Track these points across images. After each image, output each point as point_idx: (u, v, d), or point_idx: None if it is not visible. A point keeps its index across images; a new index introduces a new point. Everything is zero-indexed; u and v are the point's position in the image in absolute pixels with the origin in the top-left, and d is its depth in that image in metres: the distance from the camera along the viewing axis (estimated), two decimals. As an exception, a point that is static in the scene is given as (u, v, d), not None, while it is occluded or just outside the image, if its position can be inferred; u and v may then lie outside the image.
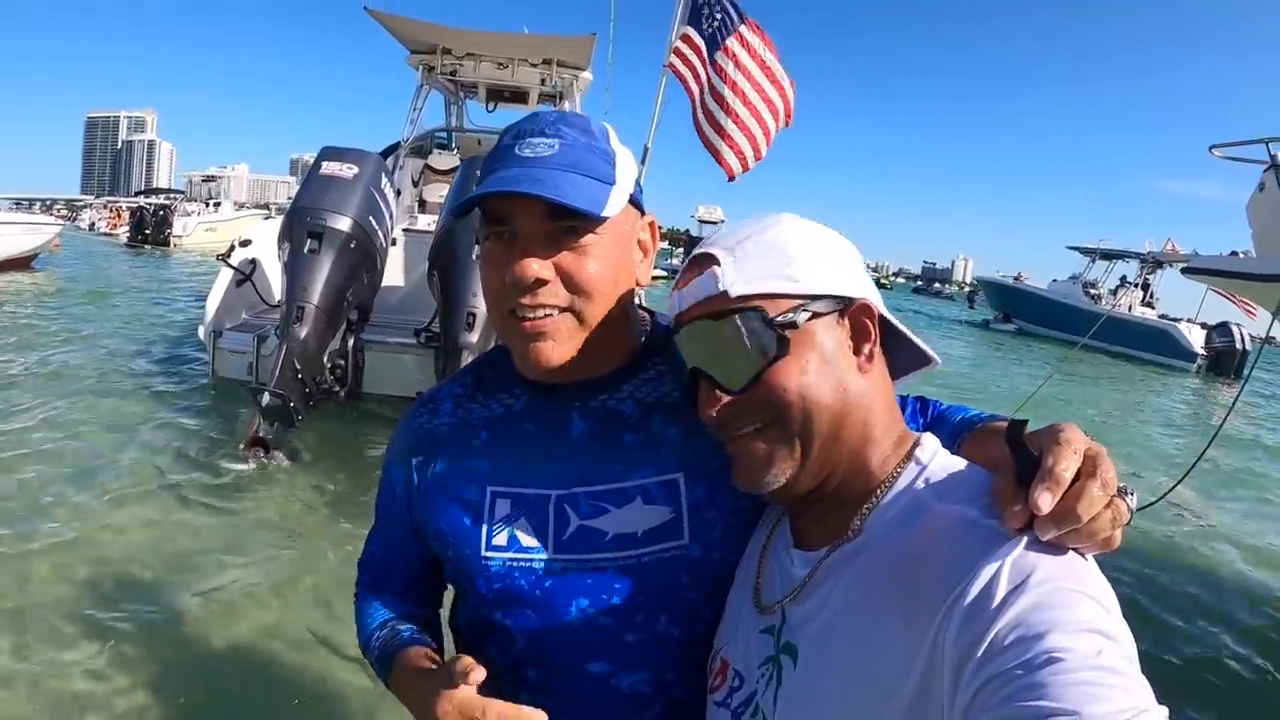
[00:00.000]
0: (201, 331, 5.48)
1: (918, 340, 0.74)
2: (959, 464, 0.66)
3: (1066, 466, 0.54)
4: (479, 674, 0.66)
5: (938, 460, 0.66)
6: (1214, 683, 3.25)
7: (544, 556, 0.79)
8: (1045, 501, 0.52)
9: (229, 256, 5.76)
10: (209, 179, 35.15)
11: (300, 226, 4.24)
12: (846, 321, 0.67)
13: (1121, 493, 0.54)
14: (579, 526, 0.79)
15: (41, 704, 2.30)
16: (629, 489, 0.79)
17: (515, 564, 0.79)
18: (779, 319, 0.64)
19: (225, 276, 5.69)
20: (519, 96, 8.06)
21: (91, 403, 5.40)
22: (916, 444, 0.67)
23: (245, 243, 6.05)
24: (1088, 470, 0.55)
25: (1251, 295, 5.12)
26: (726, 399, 0.66)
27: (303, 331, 4.13)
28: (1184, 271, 6.29)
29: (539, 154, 0.74)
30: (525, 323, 0.74)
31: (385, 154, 6.97)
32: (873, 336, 0.67)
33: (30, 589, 2.92)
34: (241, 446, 4.08)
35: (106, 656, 2.55)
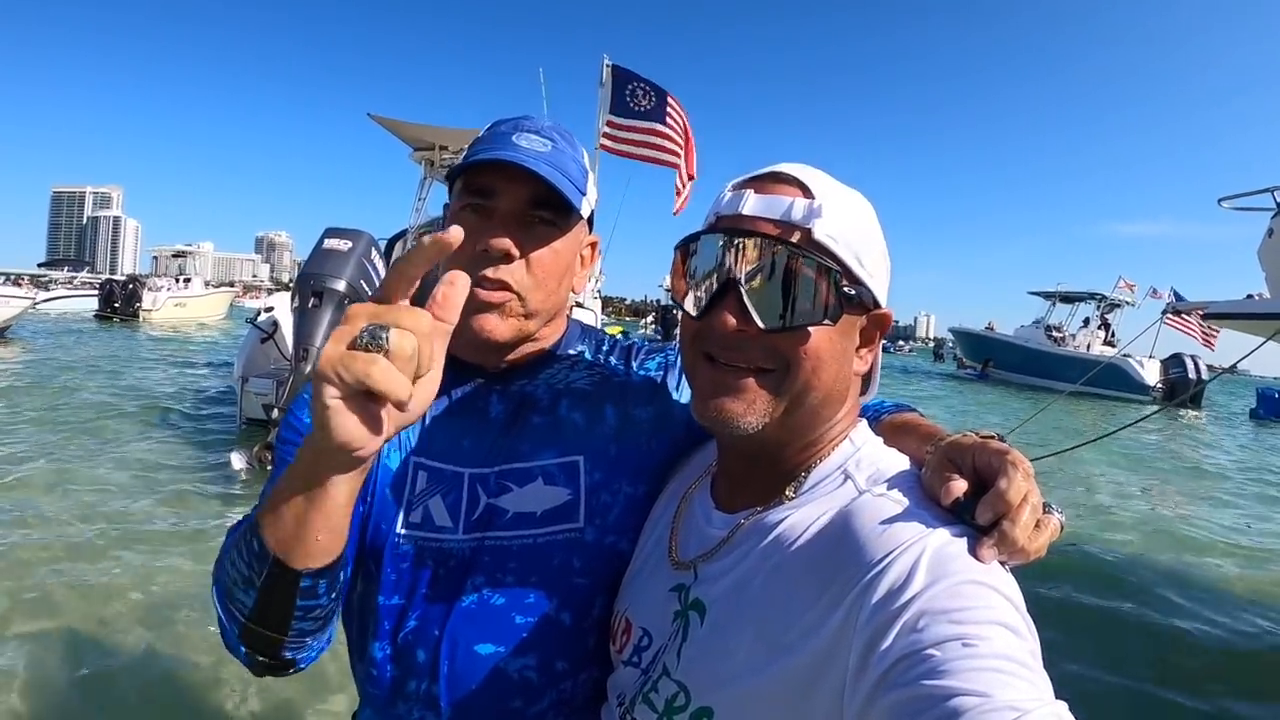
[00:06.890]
0: (233, 379, 6.87)
1: (876, 372, 0.75)
2: (889, 452, 0.68)
3: (1022, 515, 0.55)
4: None
5: (869, 446, 0.68)
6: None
7: (453, 537, 0.79)
8: (1015, 539, 0.54)
9: (256, 320, 7.08)
10: (179, 254, 34.96)
11: (306, 288, 5.38)
12: (865, 321, 0.68)
13: (1048, 509, 0.57)
14: (486, 505, 0.80)
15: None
16: (531, 469, 0.81)
17: (426, 543, 0.79)
18: (846, 289, 0.63)
19: (253, 336, 6.99)
20: None
21: (137, 434, 6.80)
22: (852, 427, 0.70)
23: (269, 309, 7.39)
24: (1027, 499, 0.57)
25: (1267, 331, 5.24)
26: (748, 326, 0.63)
27: (308, 368, 5.05)
28: (1204, 317, 6.59)
29: (534, 148, 0.78)
30: (480, 292, 0.76)
31: (394, 239, 8.51)
32: (875, 345, 0.70)
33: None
34: (256, 449, 5.22)
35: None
